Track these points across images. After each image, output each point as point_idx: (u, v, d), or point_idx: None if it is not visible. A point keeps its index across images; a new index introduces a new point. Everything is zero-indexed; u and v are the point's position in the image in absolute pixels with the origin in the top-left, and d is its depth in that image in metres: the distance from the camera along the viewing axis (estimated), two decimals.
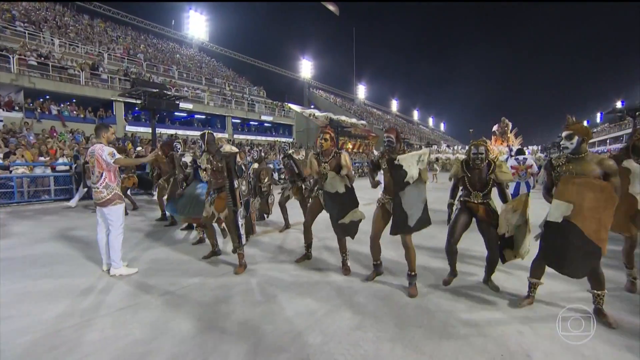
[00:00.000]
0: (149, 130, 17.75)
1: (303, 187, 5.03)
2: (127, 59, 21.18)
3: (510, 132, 15.82)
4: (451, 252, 3.05)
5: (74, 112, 15.68)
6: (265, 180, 5.38)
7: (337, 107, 44.76)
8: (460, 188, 3.14)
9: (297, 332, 2.27)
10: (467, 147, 3.27)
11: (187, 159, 5.07)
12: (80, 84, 16.18)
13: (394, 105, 69.13)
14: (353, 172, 3.69)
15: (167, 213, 5.38)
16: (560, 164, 2.57)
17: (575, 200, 2.34)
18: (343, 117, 32.79)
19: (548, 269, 2.60)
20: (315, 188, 3.67)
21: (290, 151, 5.32)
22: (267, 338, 2.20)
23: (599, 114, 59.82)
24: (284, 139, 26.76)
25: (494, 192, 3.01)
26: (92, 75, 17.06)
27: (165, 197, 5.48)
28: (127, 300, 2.76)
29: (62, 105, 15.43)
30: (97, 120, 16.71)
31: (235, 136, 22.65)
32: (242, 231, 3.46)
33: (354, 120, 36.46)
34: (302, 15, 63.20)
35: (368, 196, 5.35)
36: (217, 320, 2.43)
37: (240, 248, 3.45)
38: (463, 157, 3.21)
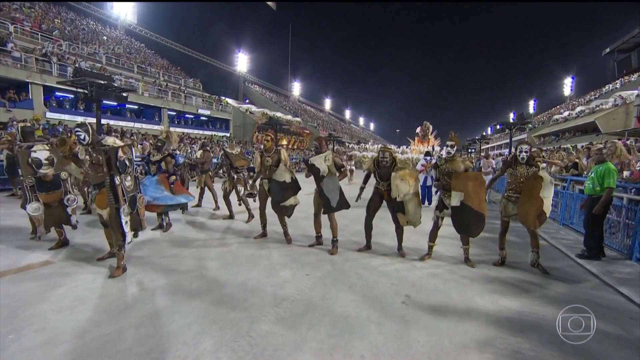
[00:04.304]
0: (76, 118, 16.46)
1: (236, 177, 5.80)
2: (41, 34, 18.84)
3: (431, 134, 18.88)
4: (368, 227, 4.14)
5: None
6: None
7: (272, 103, 45.20)
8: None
9: (269, 282, 3.11)
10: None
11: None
12: None
13: (327, 103, 71.34)
14: (289, 164, 4.51)
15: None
16: (442, 163, 3.86)
17: (463, 189, 3.59)
18: (279, 114, 33.75)
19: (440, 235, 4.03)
20: (259, 178, 4.56)
21: (226, 146, 6.10)
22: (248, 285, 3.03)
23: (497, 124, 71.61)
24: (220, 133, 26.58)
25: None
26: None
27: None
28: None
29: None
30: (6, 104, 14.83)
31: (172, 129, 21.89)
32: (127, 229, 3.23)
33: (289, 117, 37.70)
34: (239, 6, 61.44)
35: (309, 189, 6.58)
36: (186, 283, 3.06)
37: (122, 248, 3.25)
38: (374, 155, 4.23)
